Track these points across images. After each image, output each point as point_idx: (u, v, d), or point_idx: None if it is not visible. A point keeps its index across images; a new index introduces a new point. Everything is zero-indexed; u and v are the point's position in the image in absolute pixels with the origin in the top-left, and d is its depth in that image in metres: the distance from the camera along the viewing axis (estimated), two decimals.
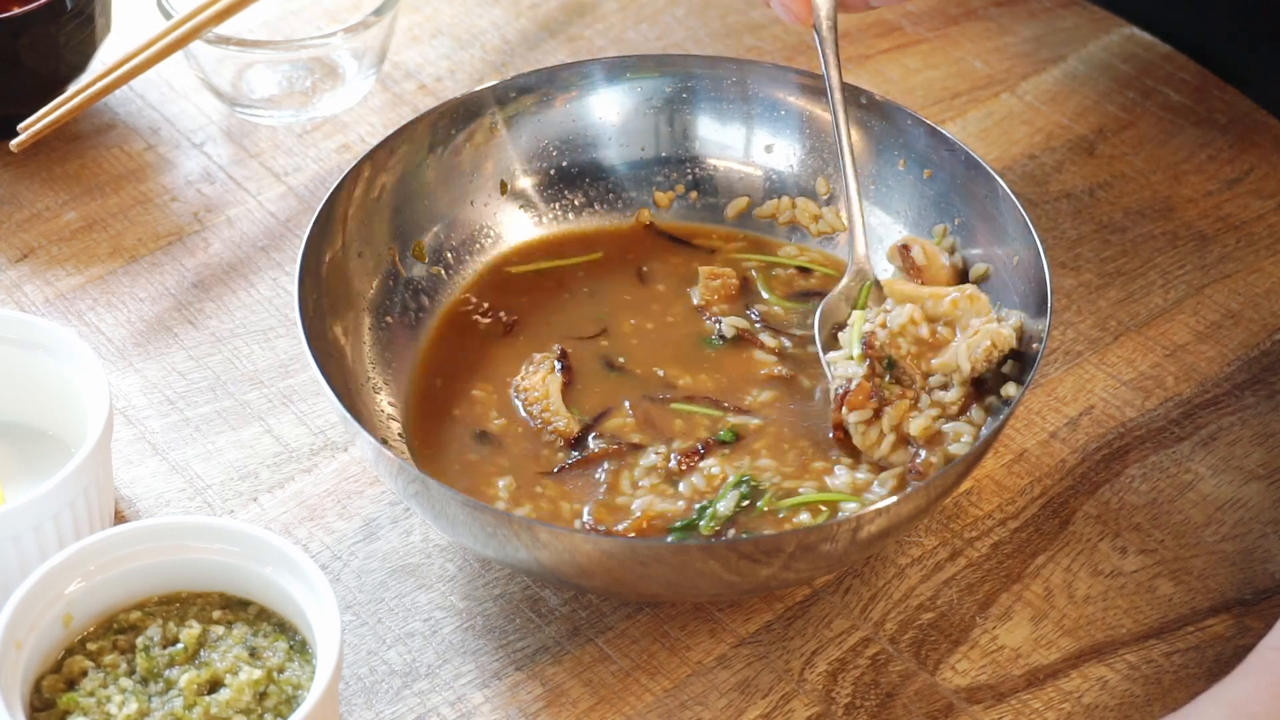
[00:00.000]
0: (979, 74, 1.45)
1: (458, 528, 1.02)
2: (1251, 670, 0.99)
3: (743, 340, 1.18)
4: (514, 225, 1.24)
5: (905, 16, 1.49)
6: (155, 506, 1.15)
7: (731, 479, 1.09)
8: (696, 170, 1.26)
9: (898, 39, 1.48)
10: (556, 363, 1.15)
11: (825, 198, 1.24)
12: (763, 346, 1.17)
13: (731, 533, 1.06)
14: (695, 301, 1.20)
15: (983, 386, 1.12)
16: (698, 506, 1.08)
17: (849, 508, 1.07)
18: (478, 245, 1.22)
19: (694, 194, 1.26)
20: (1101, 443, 1.19)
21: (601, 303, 1.20)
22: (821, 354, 1.14)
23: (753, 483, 1.09)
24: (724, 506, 1.07)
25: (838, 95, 1.18)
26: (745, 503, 1.08)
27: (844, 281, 1.17)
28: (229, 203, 1.33)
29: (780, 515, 1.07)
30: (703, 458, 1.10)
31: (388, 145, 1.18)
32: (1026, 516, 1.15)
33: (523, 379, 1.15)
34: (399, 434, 1.12)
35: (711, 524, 1.07)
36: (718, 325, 1.18)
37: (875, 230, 1.22)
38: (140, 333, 1.25)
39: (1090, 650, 1.08)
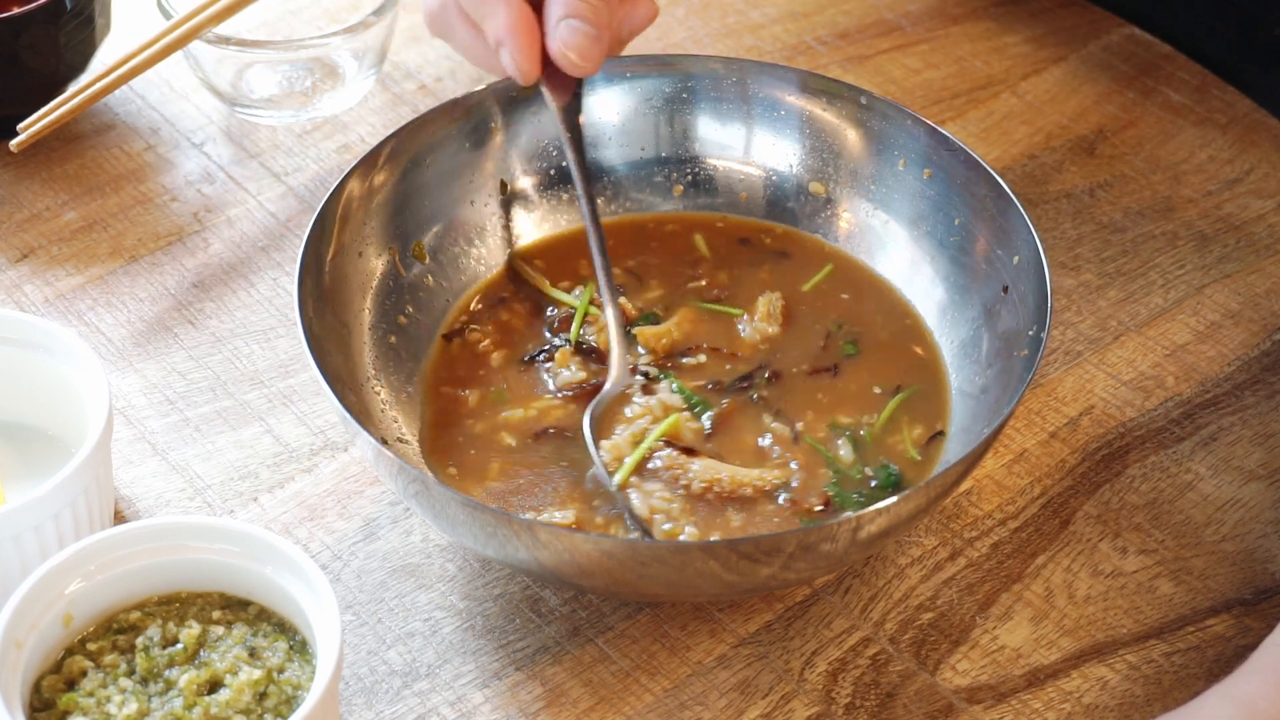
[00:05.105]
0: (979, 74, 1.45)
1: (458, 528, 1.02)
2: (1259, 667, 0.99)
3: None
4: (514, 225, 1.24)
5: (905, 16, 1.49)
6: (155, 506, 1.15)
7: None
8: (696, 170, 1.26)
9: (898, 39, 1.48)
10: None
11: (822, 198, 1.24)
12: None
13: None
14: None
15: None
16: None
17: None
18: (478, 245, 1.22)
19: (694, 194, 1.26)
20: (1101, 443, 1.19)
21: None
22: (591, 444, 1.10)
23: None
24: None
25: (582, 186, 1.15)
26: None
27: (608, 387, 1.12)
28: (229, 203, 1.33)
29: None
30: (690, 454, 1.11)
31: (388, 145, 1.18)
32: (1026, 516, 1.15)
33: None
34: (398, 434, 1.12)
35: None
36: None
37: (875, 230, 1.22)
38: (140, 333, 1.25)
39: (1090, 650, 1.08)
